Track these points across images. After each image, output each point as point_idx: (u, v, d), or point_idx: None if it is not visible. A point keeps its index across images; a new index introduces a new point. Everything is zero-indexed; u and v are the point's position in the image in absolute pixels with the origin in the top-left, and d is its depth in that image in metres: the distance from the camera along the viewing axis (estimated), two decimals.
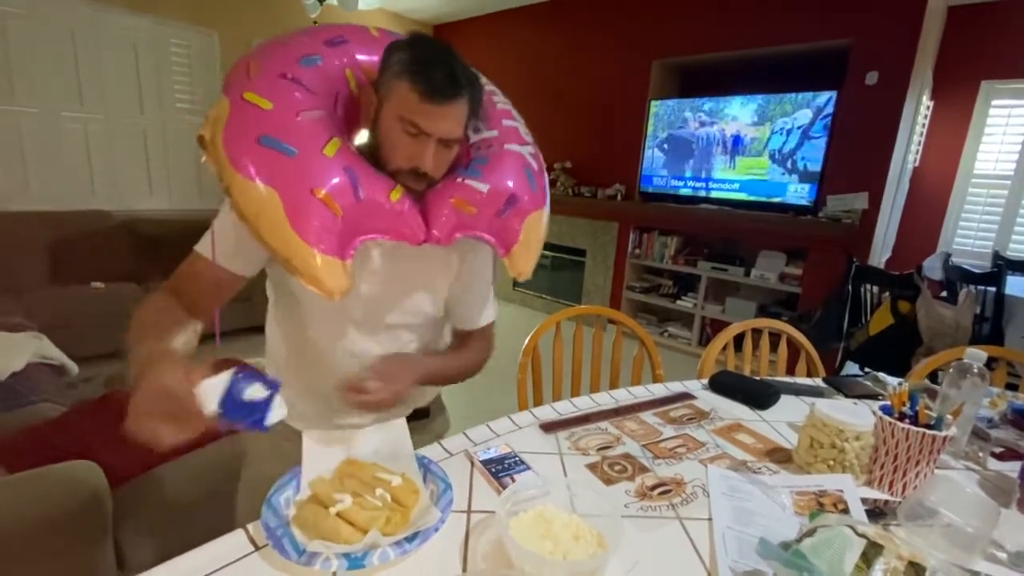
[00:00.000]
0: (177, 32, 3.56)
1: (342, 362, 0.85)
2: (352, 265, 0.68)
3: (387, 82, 0.70)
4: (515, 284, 4.97)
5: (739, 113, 3.41)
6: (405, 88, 0.68)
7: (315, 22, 3.31)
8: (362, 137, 0.77)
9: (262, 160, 0.62)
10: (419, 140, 0.70)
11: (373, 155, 0.73)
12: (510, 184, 0.76)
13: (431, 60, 0.68)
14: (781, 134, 3.26)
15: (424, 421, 1.00)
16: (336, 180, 0.64)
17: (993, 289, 2.55)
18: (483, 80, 0.85)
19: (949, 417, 0.81)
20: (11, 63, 3.00)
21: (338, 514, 0.60)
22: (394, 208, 0.69)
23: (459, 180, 0.74)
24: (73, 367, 2.19)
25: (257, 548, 0.61)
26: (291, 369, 0.90)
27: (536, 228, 0.79)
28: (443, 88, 0.67)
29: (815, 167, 3.17)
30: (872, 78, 2.94)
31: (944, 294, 2.90)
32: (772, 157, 3.33)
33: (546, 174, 0.85)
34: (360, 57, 0.77)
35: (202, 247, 0.74)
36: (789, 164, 3.27)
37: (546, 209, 0.83)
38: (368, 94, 0.74)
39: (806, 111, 3.14)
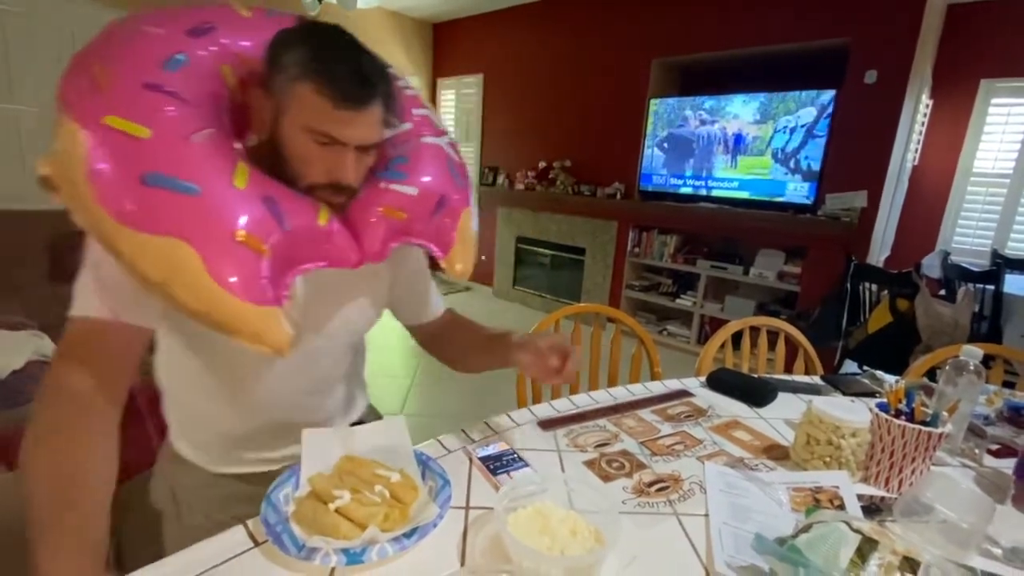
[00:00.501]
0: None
1: (261, 399, 0.77)
2: (289, 307, 0.60)
3: (284, 86, 0.59)
4: (515, 283, 4.98)
5: (741, 111, 3.41)
6: (310, 93, 0.58)
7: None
8: (252, 142, 0.66)
9: (156, 206, 0.50)
10: (334, 150, 0.62)
11: (274, 168, 0.62)
12: (438, 183, 0.72)
13: (337, 58, 0.58)
14: (784, 132, 3.25)
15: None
16: (256, 216, 0.54)
17: (992, 287, 2.55)
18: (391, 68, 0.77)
19: (945, 414, 0.81)
20: (10, 62, 3.00)
21: (337, 510, 0.60)
22: (324, 232, 0.61)
23: (382, 186, 0.68)
24: None
25: (257, 544, 0.61)
26: (200, 415, 0.80)
27: (470, 226, 0.77)
28: (357, 91, 0.59)
29: (816, 166, 3.17)
30: (871, 77, 2.95)
31: (943, 292, 2.90)
32: (775, 156, 3.32)
33: (464, 164, 0.81)
34: (234, 46, 0.64)
35: (84, 309, 0.60)
36: (792, 163, 3.26)
37: (474, 201, 0.80)
38: (257, 98, 0.62)
39: (810, 109, 3.13)
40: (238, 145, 0.61)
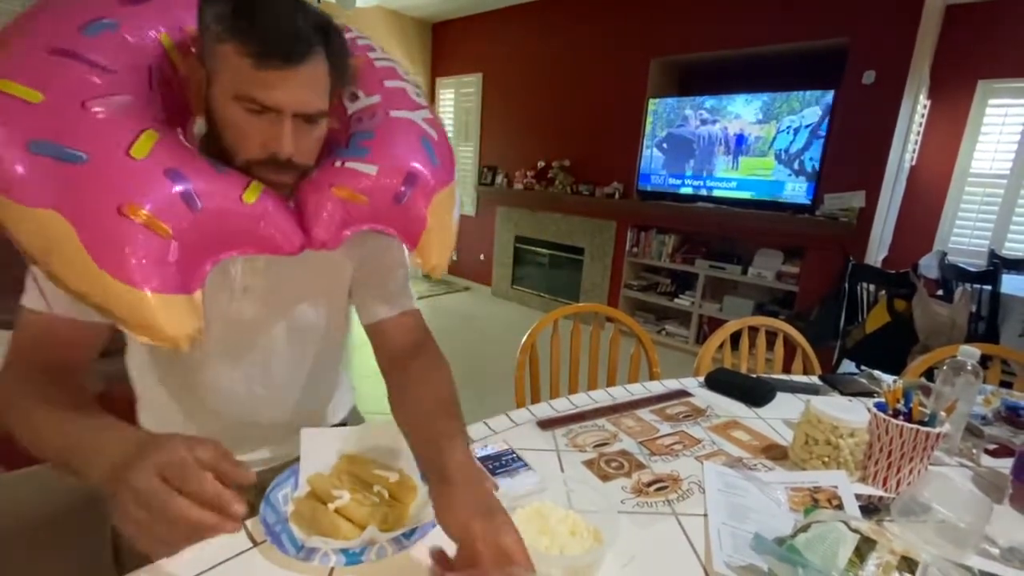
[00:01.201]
0: None
1: (219, 400, 0.74)
2: (201, 297, 0.53)
3: (210, 49, 0.52)
4: (513, 282, 4.98)
5: (743, 111, 3.40)
6: (231, 53, 0.51)
7: None
8: (201, 128, 0.60)
9: (37, 175, 0.45)
10: (268, 118, 0.54)
11: (219, 149, 0.57)
12: (404, 161, 0.62)
13: (261, 11, 0.51)
14: (788, 133, 3.24)
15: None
16: (154, 188, 0.48)
17: (989, 287, 2.56)
18: (357, 33, 0.69)
19: (942, 414, 0.81)
20: None
21: (336, 510, 0.60)
22: (251, 212, 0.54)
23: (338, 164, 0.60)
24: None
25: (256, 544, 0.61)
26: (165, 416, 0.77)
27: (446, 210, 0.66)
28: (283, 45, 0.51)
29: (814, 166, 3.17)
30: (869, 77, 2.95)
31: (940, 292, 2.91)
32: (778, 157, 3.31)
33: (449, 142, 0.70)
34: (178, 15, 0.58)
35: (32, 301, 0.58)
36: (796, 165, 3.24)
37: (455, 184, 0.68)
38: (195, 68, 0.56)
39: (814, 109, 3.12)
40: (164, 126, 0.54)
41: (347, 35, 0.66)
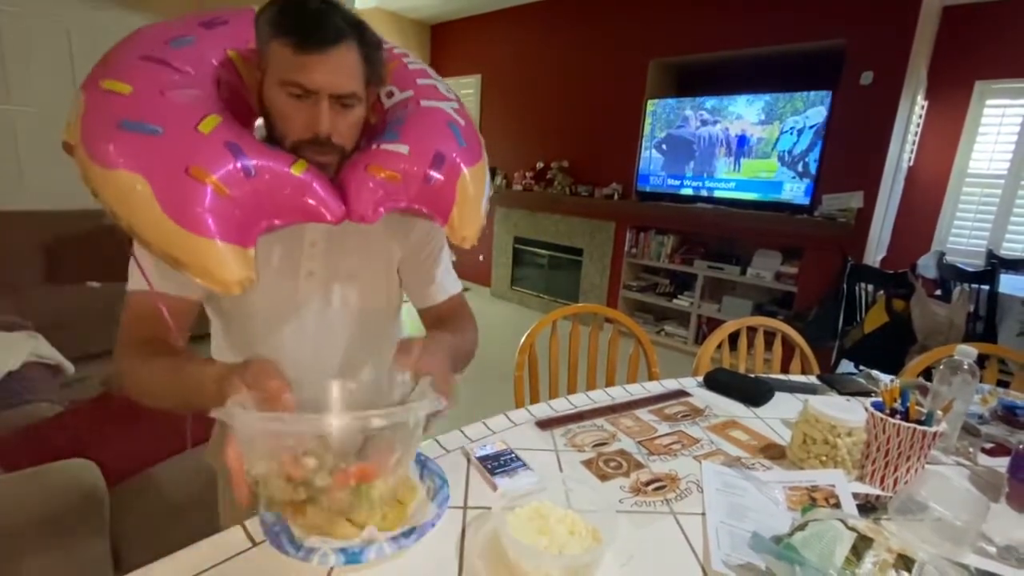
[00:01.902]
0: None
1: (293, 379, 0.81)
2: (253, 254, 0.60)
3: (263, 50, 0.63)
4: (512, 283, 4.98)
5: (744, 112, 3.40)
6: (277, 47, 0.61)
7: None
8: (260, 131, 0.70)
9: (123, 146, 0.55)
10: (308, 101, 0.63)
11: (272, 139, 0.67)
12: (433, 142, 0.68)
13: (299, 7, 0.61)
14: (792, 134, 3.23)
15: None
16: (216, 157, 0.57)
17: (987, 287, 2.57)
18: (392, 44, 0.80)
19: (939, 413, 0.82)
20: (6, 62, 2.99)
21: None
22: (297, 183, 0.61)
23: (374, 146, 0.67)
24: (69, 366, 2.19)
25: (255, 544, 0.61)
26: None
27: (474, 186, 0.71)
28: (317, 33, 0.60)
29: (812, 166, 3.18)
30: (867, 78, 2.96)
31: (938, 292, 2.92)
32: (781, 159, 3.30)
33: (477, 130, 0.77)
34: (244, 35, 0.69)
35: (135, 284, 0.68)
36: (800, 166, 3.23)
37: (482, 164, 0.74)
38: (253, 71, 0.66)
39: (818, 109, 3.11)
40: (228, 115, 0.63)
41: (385, 45, 0.75)
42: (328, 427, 0.50)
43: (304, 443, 0.52)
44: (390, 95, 0.75)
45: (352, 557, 0.57)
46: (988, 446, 0.96)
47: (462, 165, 0.70)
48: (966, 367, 0.91)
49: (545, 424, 0.96)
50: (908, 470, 0.81)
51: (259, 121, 0.70)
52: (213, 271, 0.57)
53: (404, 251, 0.83)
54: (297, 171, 0.61)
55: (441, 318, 0.88)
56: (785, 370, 1.51)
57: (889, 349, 2.65)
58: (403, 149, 0.66)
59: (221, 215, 0.57)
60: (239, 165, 0.58)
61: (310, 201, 0.62)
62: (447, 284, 0.88)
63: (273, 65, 0.62)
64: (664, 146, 3.78)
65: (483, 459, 0.81)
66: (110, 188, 0.56)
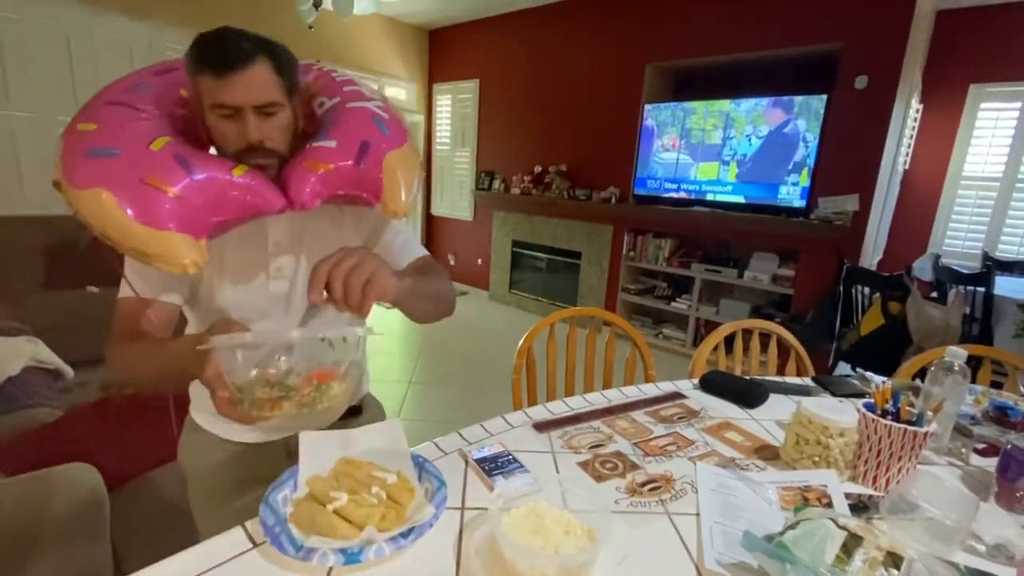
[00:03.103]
0: (173, 36, 3.56)
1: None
2: (207, 243, 0.70)
3: (194, 84, 0.73)
4: (511, 286, 4.99)
5: (737, 115, 3.43)
6: (202, 79, 0.71)
7: (311, 27, 3.33)
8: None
9: (90, 168, 0.66)
10: (237, 117, 0.72)
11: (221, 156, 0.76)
12: (358, 134, 0.78)
13: (210, 43, 0.71)
14: (787, 137, 3.27)
15: (356, 418, 1.01)
16: (166, 168, 0.67)
17: (982, 289, 2.58)
18: (322, 65, 0.90)
19: (930, 414, 0.83)
20: (6, 67, 3.01)
21: (335, 511, 0.61)
22: (239, 183, 0.70)
23: (308, 145, 0.77)
24: (69, 371, 2.19)
25: (255, 545, 0.62)
26: None
27: (399, 166, 0.79)
28: (228, 59, 0.69)
29: (808, 170, 3.20)
30: (862, 82, 2.99)
31: (934, 295, 2.94)
32: (777, 162, 3.33)
33: (402, 119, 0.86)
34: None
35: (125, 292, 0.78)
36: (788, 167, 3.28)
37: (407, 147, 0.82)
38: (197, 105, 0.76)
39: (809, 113, 3.15)
40: (178, 138, 0.72)
41: (314, 66, 0.90)
42: (291, 337, 0.62)
43: (277, 354, 0.63)
44: (321, 105, 0.85)
45: (351, 557, 0.58)
46: (980, 446, 0.97)
47: (386, 149, 0.78)
48: (957, 368, 0.93)
49: (542, 426, 0.97)
50: (900, 470, 0.82)
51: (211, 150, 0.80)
52: (170, 256, 0.66)
53: (363, 236, 0.91)
54: (238, 174, 0.71)
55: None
56: (781, 372, 1.52)
57: (886, 351, 2.66)
58: (332, 144, 0.76)
59: (174, 213, 0.66)
60: (187, 173, 0.67)
61: (252, 198, 0.71)
62: (410, 250, 0.96)
63: (204, 94, 0.72)
64: (660, 150, 3.80)
65: (480, 461, 0.82)
66: (83, 204, 0.65)
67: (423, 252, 0.97)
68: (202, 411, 0.93)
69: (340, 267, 0.64)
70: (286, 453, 0.92)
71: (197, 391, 0.93)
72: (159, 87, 0.77)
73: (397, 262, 0.93)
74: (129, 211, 0.64)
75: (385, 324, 0.92)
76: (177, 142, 0.70)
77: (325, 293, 0.64)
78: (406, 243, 0.95)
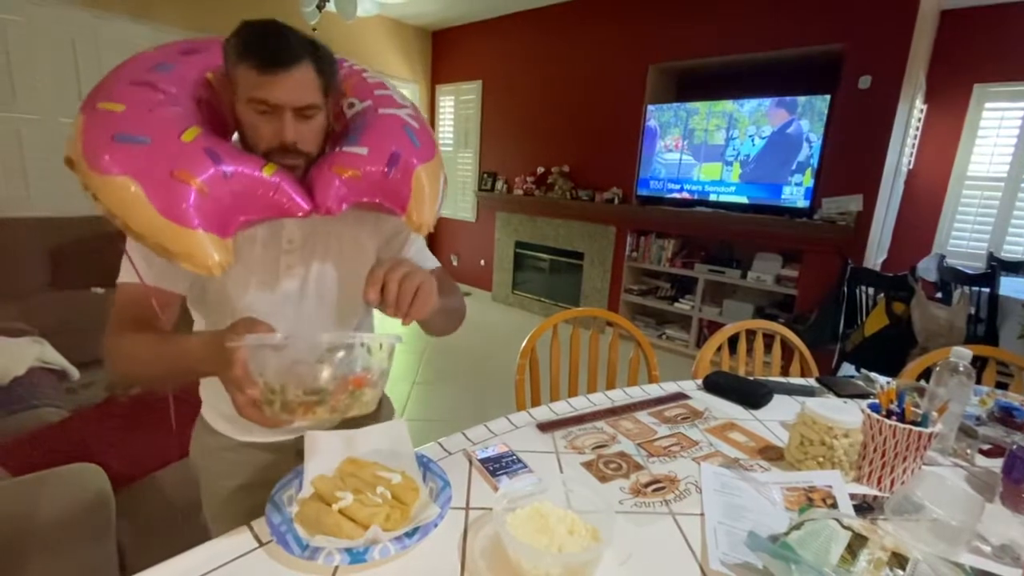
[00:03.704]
0: (177, 38, 3.56)
1: None
2: (232, 243, 0.68)
3: (231, 73, 0.71)
4: (514, 287, 5.00)
5: (741, 116, 3.43)
6: (243, 70, 0.69)
7: (314, 29, 3.34)
8: (238, 144, 0.77)
9: (118, 155, 0.63)
10: (274, 115, 0.70)
11: (246, 148, 0.74)
12: (389, 143, 0.76)
13: (259, 35, 0.69)
14: (791, 138, 3.26)
15: (371, 416, 1.00)
16: (197, 162, 0.65)
17: (987, 290, 2.57)
18: (352, 62, 0.89)
19: (934, 414, 0.83)
20: (12, 70, 3.03)
21: (340, 511, 0.62)
22: (268, 182, 0.69)
23: (337, 150, 0.75)
24: (74, 372, 2.21)
25: (261, 544, 0.62)
26: (221, 388, 0.89)
27: (428, 181, 0.79)
28: (277, 56, 0.68)
29: (812, 170, 3.20)
30: (865, 82, 2.98)
31: (939, 295, 2.93)
32: (780, 162, 3.32)
33: (431, 130, 0.85)
34: (219, 63, 0.78)
35: (125, 277, 0.75)
36: (792, 168, 3.27)
37: (436, 161, 0.82)
38: (227, 90, 0.74)
39: (813, 113, 3.14)
40: (206, 127, 0.70)
41: (345, 63, 0.86)
42: (324, 339, 0.60)
43: (314, 356, 0.60)
44: (351, 106, 0.83)
45: (356, 556, 0.58)
46: (985, 447, 0.97)
47: (416, 162, 0.78)
48: (962, 369, 0.93)
49: (546, 427, 0.97)
50: (904, 471, 0.81)
51: (235, 137, 0.78)
52: (196, 257, 0.64)
53: (379, 242, 0.90)
54: (267, 173, 0.69)
55: None
56: (785, 373, 1.52)
57: (890, 352, 2.65)
58: (363, 151, 0.75)
59: (202, 210, 0.64)
60: (217, 168, 0.65)
61: (280, 199, 0.70)
62: (423, 262, 0.94)
63: (241, 86, 0.70)
64: (663, 150, 3.80)
65: (485, 461, 0.82)
66: (107, 192, 0.63)
67: (435, 264, 0.96)
68: (215, 413, 0.92)
69: (396, 271, 0.66)
70: (295, 453, 0.90)
71: (210, 392, 0.91)
72: (184, 68, 0.74)
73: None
74: (156, 205, 0.62)
75: (386, 325, 0.92)
76: (207, 133, 0.68)
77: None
78: (420, 253, 0.94)
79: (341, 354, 0.59)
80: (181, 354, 0.67)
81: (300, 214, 0.71)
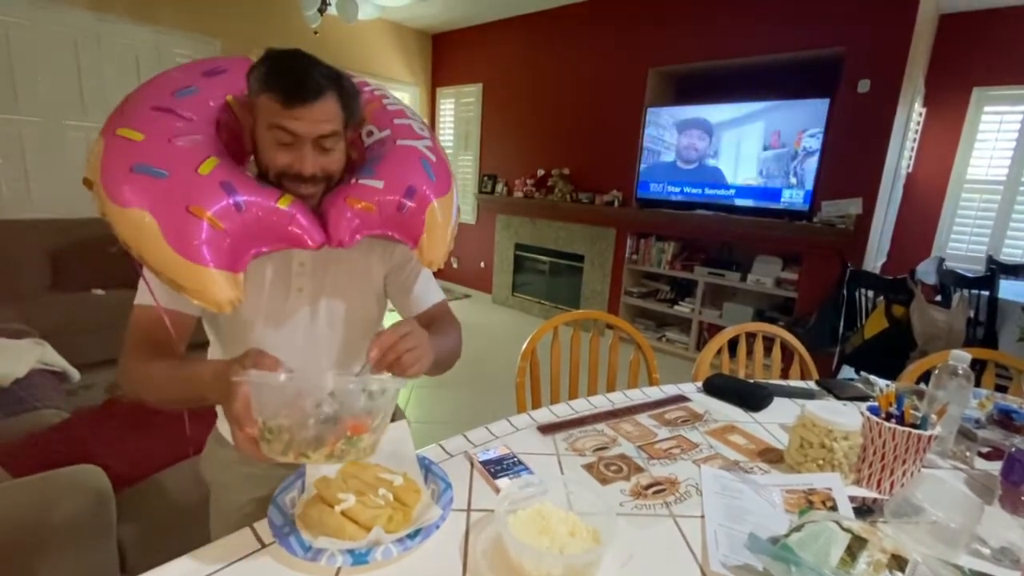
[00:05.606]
0: (179, 41, 3.59)
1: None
2: (243, 277, 0.68)
3: (254, 100, 0.72)
4: (514, 290, 5.00)
5: (740, 119, 3.43)
6: (267, 100, 0.69)
7: (316, 32, 3.35)
8: (252, 168, 0.78)
9: (135, 186, 0.63)
10: (295, 145, 0.71)
11: (262, 170, 0.74)
12: (405, 177, 0.76)
13: (285, 68, 0.70)
14: (790, 141, 3.26)
15: None
16: (212, 195, 0.65)
17: (986, 293, 2.58)
18: (375, 85, 0.90)
19: (933, 417, 0.83)
20: (14, 72, 3.04)
21: (342, 513, 0.62)
22: (283, 214, 0.69)
23: (353, 181, 0.76)
24: (75, 373, 2.21)
25: (264, 545, 0.63)
26: None
27: (442, 215, 0.79)
28: (302, 89, 0.69)
29: (811, 173, 3.20)
30: (864, 86, 2.99)
31: (938, 298, 2.93)
32: (780, 165, 3.32)
33: (448, 163, 0.85)
34: (241, 84, 0.77)
35: (142, 299, 0.76)
36: (792, 171, 3.27)
37: (451, 195, 0.82)
38: (246, 115, 0.75)
39: (818, 116, 3.14)
40: (225, 155, 0.71)
41: (366, 87, 0.86)
42: (327, 383, 0.59)
43: (315, 399, 0.59)
44: (370, 134, 0.84)
45: (359, 558, 0.58)
46: (985, 450, 0.97)
47: (431, 197, 0.78)
48: (961, 372, 0.93)
49: (547, 429, 0.98)
50: (904, 473, 0.82)
51: (251, 161, 0.78)
52: (207, 293, 0.65)
53: (387, 268, 0.91)
54: (283, 204, 0.69)
55: (425, 324, 0.93)
56: (785, 376, 1.53)
57: (889, 355, 2.65)
58: (378, 184, 0.75)
59: (215, 245, 0.65)
60: (232, 201, 0.66)
61: (294, 230, 0.70)
62: (429, 295, 0.95)
63: (263, 114, 0.71)
64: (663, 153, 3.81)
65: (486, 463, 0.82)
66: (124, 223, 0.64)
67: (440, 297, 0.97)
68: (225, 423, 0.91)
69: (402, 343, 0.66)
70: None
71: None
72: (206, 91, 0.75)
73: (412, 305, 0.93)
74: (170, 241, 0.63)
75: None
76: (224, 164, 0.68)
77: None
78: (427, 284, 0.95)
79: (343, 398, 0.58)
80: (192, 380, 0.67)
81: (313, 246, 0.71)
